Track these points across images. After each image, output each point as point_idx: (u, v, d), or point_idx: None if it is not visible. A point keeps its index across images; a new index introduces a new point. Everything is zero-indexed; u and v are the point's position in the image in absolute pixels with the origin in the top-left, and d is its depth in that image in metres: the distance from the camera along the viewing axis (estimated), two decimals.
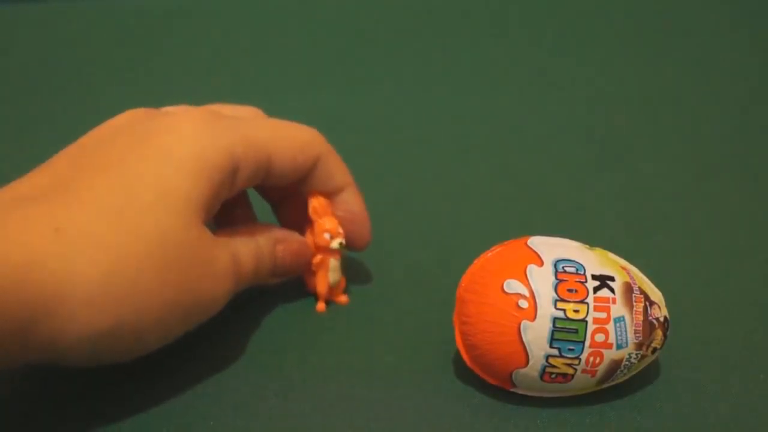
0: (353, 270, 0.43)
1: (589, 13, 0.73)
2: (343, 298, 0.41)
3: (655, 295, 0.36)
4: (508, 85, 0.63)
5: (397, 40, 0.69)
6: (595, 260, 0.35)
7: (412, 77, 0.64)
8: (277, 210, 0.43)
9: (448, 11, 0.73)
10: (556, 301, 0.34)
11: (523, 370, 0.35)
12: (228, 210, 0.40)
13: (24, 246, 0.31)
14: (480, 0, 0.74)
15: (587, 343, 0.34)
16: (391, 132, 0.57)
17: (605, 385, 0.36)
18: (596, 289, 0.34)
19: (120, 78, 0.63)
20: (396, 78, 0.64)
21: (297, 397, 0.36)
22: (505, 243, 0.36)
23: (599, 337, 0.34)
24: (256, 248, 0.38)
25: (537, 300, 0.34)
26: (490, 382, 0.36)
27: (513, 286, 0.34)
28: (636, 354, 0.35)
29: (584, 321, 0.34)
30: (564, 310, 0.34)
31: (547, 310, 0.34)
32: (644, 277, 0.37)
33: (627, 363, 0.35)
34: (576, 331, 0.34)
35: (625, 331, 0.34)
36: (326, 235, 0.40)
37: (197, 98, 0.60)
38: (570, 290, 0.34)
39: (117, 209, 0.33)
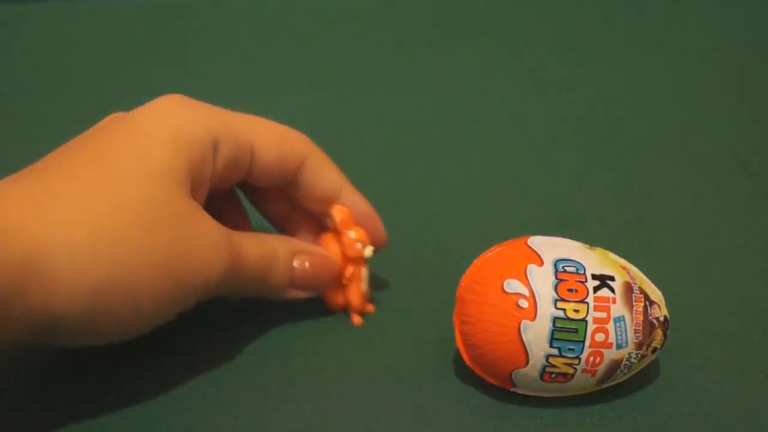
0: None
1: (589, 13, 0.73)
2: (370, 307, 0.41)
3: (655, 294, 0.36)
4: (508, 85, 0.63)
5: (397, 40, 0.69)
6: (595, 260, 0.35)
7: (411, 77, 0.64)
8: (282, 232, 0.42)
9: (448, 11, 0.73)
10: (556, 300, 0.34)
11: (523, 370, 0.35)
12: (223, 215, 0.40)
13: (3, 210, 0.31)
14: (480, 0, 0.74)
15: (587, 342, 0.34)
16: (390, 132, 0.57)
17: (605, 385, 0.36)
18: (596, 289, 0.34)
19: (120, 78, 0.63)
20: (396, 78, 0.63)
21: (297, 397, 0.36)
22: (505, 243, 0.36)
23: (599, 337, 0.34)
24: (268, 249, 0.38)
25: (537, 300, 0.34)
26: (490, 382, 0.36)
27: (513, 285, 0.34)
28: (636, 354, 0.35)
29: (584, 321, 0.34)
30: (564, 310, 0.34)
31: (547, 310, 0.34)
32: (644, 277, 0.37)
33: (627, 363, 0.35)
34: (576, 331, 0.34)
35: (625, 330, 0.34)
36: (359, 245, 0.39)
37: (197, 98, 0.60)
38: (570, 290, 0.34)
39: (92, 174, 0.33)
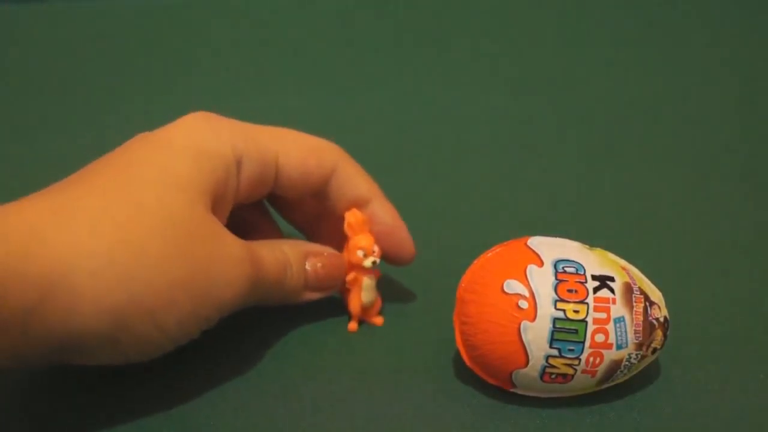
0: None
1: (589, 13, 0.73)
2: (378, 320, 0.40)
3: (655, 295, 0.36)
4: (508, 85, 0.63)
5: (397, 40, 0.69)
6: (595, 260, 0.35)
7: (411, 77, 0.64)
8: (309, 237, 0.42)
9: (448, 11, 0.73)
10: (556, 301, 0.34)
11: (523, 371, 0.35)
12: (251, 226, 0.40)
13: (22, 225, 0.31)
14: (480, 0, 0.74)
15: (587, 343, 0.34)
16: (390, 132, 0.57)
17: (605, 386, 0.36)
18: (596, 290, 0.34)
19: (120, 78, 0.63)
20: (396, 78, 0.63)
21: (297, 397, 0.36)
22: (505, 243, 0.36)
23: (599, 338, 0.34)
24: (281, 255, 0.37)
25: (537, 300, 0.34)
26: (490, 382, 0.36)
27: (513, 286, 0.34)
28: (636, 354, 0.35)
29: (584, 321, 0.34)
30: (564, 311, 0.34)
31: (547, 311, 0.34)
32: (644, 277, 0.37)
33: (627, 363, 0.35)
34: (576, 332, 0.34)
35: (625, 331, 0.34)
36: (359, 253, 0.39)
37: (197, 98, 0.61)
38: (570, 290, 0.34)
39: (114, 187, 0.33)
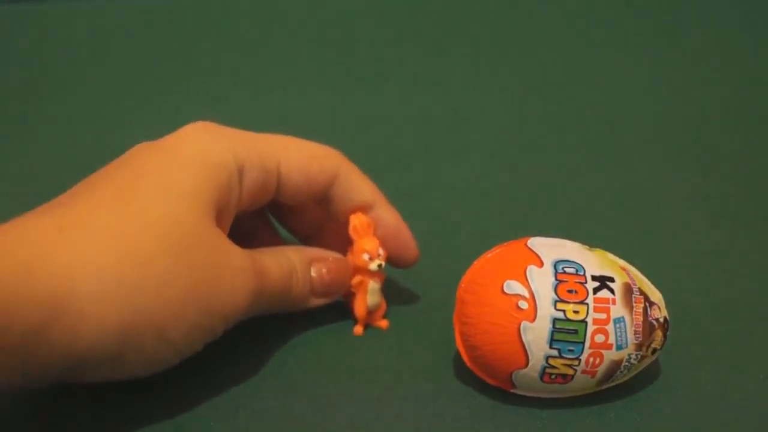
0: None
1: (589, 12, 0.73)
2: (383, 323, 0.40)
3: (655, 295, 0.36)
4: (508, 84, 0.63)
5: (397, 39, 0.69)
6: (594, 261, 0.35)
7: (411, 77, 0.64)
8: (311, 244, 0.41)
9: (447, 11, 0.73)
10: (555, 301, 0.34)
11: (523, 371, 0.35)
12: (253, 235, 0.40)
13: (29, 243, 0.30)
14: (480, 0, 0.74)
15: (587, 343, 0.34)
16: (390, 132, 0.57)
17: (605, 386, 0.36)
18: (596, 290, 0.34)
19: (120, 78, 0.63)
20: (395, 78, 0.64)
21: (297, 397, 0.36)
22: (505, 244, 0.36)
23: (599, 338, 0.34)
24: (286, 262, 0.37)
25: (537, 301, 0.34)
26: (490, 383, 0.36)
27: (513, 286, 0.34)
28: (636, 355, 0.35)
29: (584, 322, 0.34)
30: (564, 311, 0.34)
31: (546, 311, 0.34)
32: (644, 278, 0.37)
33: (627, 364, 0.35)
34: (576, 332, 0.34)
35: (625, 331, 0.34)
36: (365, 256, 0.39)
37: (197, 98, 0.61)
38: (570, 291, 0.34)
39: (118, 201, 0.33)
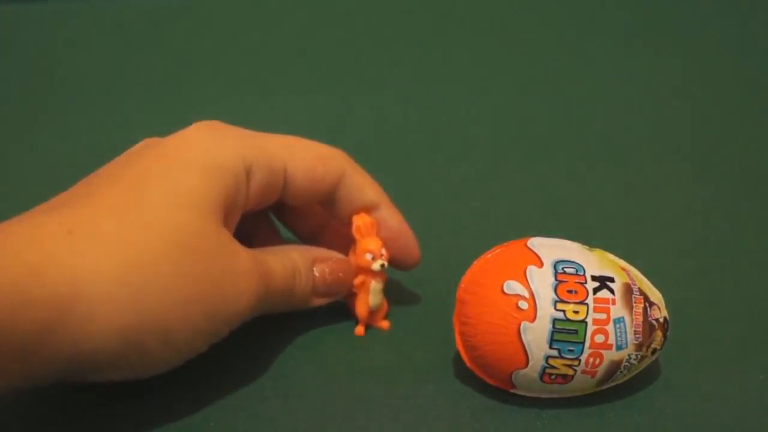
0: None
1: (589, 12, 0.73)
2: (384, 324, 0.40)
3: (655, 295, 0.36)
4: (508, 84, 0.63)
5: (397, 39, 0.69)
6: (594, 261, 0.35)
7: (411, 77, 0.64)
8: (314, 245, 0.41)
9: (447, 11, 0.73)
10: (555, 302, 0.34)
11: (522, 371, 0.35)
12: (254, 235, 0.40)
13: (37, 245, 0.31)
14: (480, 0, 0.74)
15: (587, 344, 0.34)
16: (390, 132, 0.57)
17: (605, 386, 0.36)
18: (596, 290, 0.34)
19: (120, 78, 0.63)
20: (395, 78, 0.63)
21: (297, 397, 0.36)
22: (505, 244, 0.36)
23: (599, 338, 0.34)
24: (290, 263, 0.37)
25: (537, 301, 0.34)
26: (490, 383, 0.36)
27: (513, 287, 0.34)
28: (636, 355, 0.35)
29: (584, 322, 0.34)
30: (564, 311, 0.34)
31: (546, 311, 0.34)
32: (644, 278, 0.37)
33: (627, 364, 0.35)
34: (576, 332, 0.34)
35: (625, 332, 0.34)
36: (368, 256, 0.39)
37: (197, 98, 0.61)
38: (570, 291, 0.34)
39: (127, 207, 0.33)
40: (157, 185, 0.34)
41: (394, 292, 0.42)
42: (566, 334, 0.34)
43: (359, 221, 0.39)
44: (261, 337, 0.39)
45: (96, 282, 0.31)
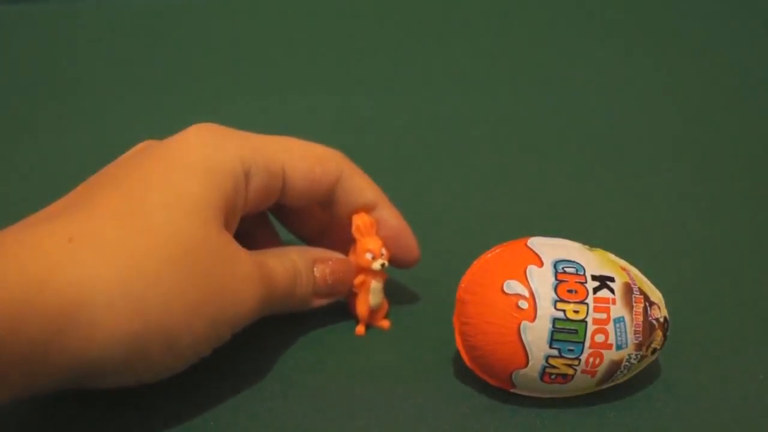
0: None
1: (589, 12, 0.73)
2: (384, 323, 0.40)
3: (655, 295, 0.36)
4: (508, 85, 0.63)
5: (397, 40, 0.69)
6: (594, 261, 0.35)
7: (412, 77, 0.64)
8: (313, 245, 0.41)
9: (448, 11, 0.73)
10: (555, 301, 0.34)
11: (523, 371, 0.35)
12: (253, 236, 0.40)
13: (39, 256, 0.30)
14: (480, 0, 0.74)
15: (587, 343, 0.34)
16: (390, 132, 0.57)
17: (605, 386, 0.36)
18: (596, 290, 0.34)
19: (120, 78, 0.63)
20: (395, 78, 0.64)
21: (297, 397, 0.36)
22: (505, 244, 0.36)
23: (599, 338, 0.34)
24: (291, 264, 0.37)
25: (537, 301, 0.34)
26: (490, 383, 0.36)
27: (513, 286, 0.34)
28: (636, 355, 0.35)
29: (584, 322, 0.34)
30: (564, 311, 0.34)
31: (546, 311, 0.34)
32: (644, 278, 0.37)
33: (627, 364, 0.35)
34: (576, 332, 0.34)
35: (625, 331, 0.34)
36: (368, 255, 0.39)
37: (197, 98, 0.61)
38: (570, 291, 0.34)
39: (128, 213, 0.33)
40: (158, 190, 0.34)
41: (394, 291, 0.42)
42: (566, 333, 0.34)
43: (359, 221, 0.39)
44: (261, 337, 0.39)
45: (99, 290, 0.31)
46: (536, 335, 0.34)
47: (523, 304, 0.34)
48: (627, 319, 0.35)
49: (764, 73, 0.65)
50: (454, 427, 0.35)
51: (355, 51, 0.67)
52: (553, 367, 0.34)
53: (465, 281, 0.36)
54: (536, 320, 0.34)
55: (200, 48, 0.68)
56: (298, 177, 0.38)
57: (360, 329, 0.40)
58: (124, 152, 0.37)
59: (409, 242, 0.40)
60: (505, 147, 0.55)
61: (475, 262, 0.36)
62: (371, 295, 0.39)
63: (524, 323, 0.34)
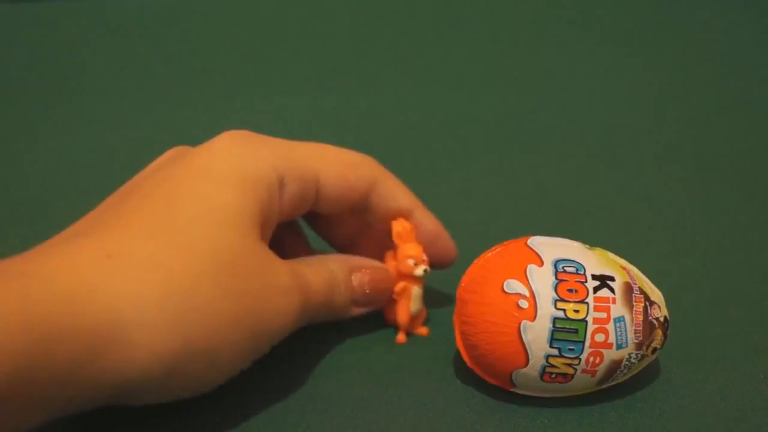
0: None
1: (589, 12, 0.73)
2: (423, 330, 0.40)
3: (655, 295, 0.36)
4: (508, 84, 0.63)
5: (397, 39, 0.69)
6: (595, 260, 0.35)
7: (411, 77, 0.64)
8: (347, 253, 0.41)
9: (448, 11, 0.73)
10: (556, 301, 0.34)
11: (523, 370, 0.35)
12: (283, 244, 0.39)
13: (74, 273, 0.30)
14: (480, 0, 0.74)
15: (587, 343, 0.34)
16: (390, 132, 0.57)
17: (605, 385, 0.36)
18: (596, 289, 0.34)
19: (120, 78, 0.63)
20: (395, 78, 0.64)
21: (297, 397, 0.36)
22: (505, 243, 0.36)
23: (599, 337, 0.34)
24: (328, 274, 0.37)
25: (537, 300, 0.34)
26: (490, 382, 0.36)
27: (513, 286, 0.34)
28: (636, 354, 0.35)
29: (584, 321, 0.34)
30: (564, 310, 0.34)
31: (547, 310, 0.34)
32: (644, 277, 0.37)
33: (627, 363, 0.35)
34: (576, 331, 0.34)
35: (625, 331, 0.34)
36: (410, 262, 0.38)
37: (197, 98, 0.61)
38: (570, 290, 0.34)
39: (162, 228, 0.32)
40: (190, 202, 0.33)
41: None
42: (566, 333, 0.34)
43: (399, 227, 0.38)
44: None
45: (136, 308, 0.30)
46: (536, 334, 0.34)
47: (524, 304, 0.34)
48: (627, 318, 0.35)
49: (764, 73, 0.65)
50: (454, 427, 0.35)
51: (355, 51, 0.67)
52: (554, 366, 0.34)
53: (465, 280, 0.36)
54: (536, 319, 0.34)
55: (200, 48, 0.68)
56: (332, 184, 0.37)
57: (401, 337, 0.39)
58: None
59: (447, 243, 0.40)
60: (505, 147, 0.55)
61: (475, 262, 0.36)
62: (412, 302, 0.39)
63: (524, 322, 0.34)
